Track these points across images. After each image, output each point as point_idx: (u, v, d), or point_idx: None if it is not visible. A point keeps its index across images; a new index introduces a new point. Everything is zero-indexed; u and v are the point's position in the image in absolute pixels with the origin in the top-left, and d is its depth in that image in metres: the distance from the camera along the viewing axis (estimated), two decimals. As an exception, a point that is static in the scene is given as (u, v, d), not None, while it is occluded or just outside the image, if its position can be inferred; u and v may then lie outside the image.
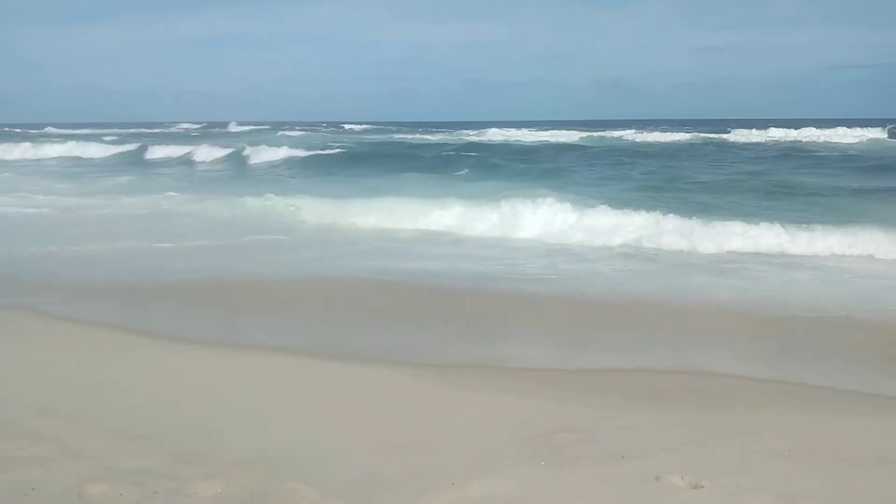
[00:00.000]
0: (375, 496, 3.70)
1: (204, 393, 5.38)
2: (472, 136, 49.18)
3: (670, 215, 12.84)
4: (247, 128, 66.81)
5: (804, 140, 39.88)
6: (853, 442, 4.45)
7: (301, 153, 30.64)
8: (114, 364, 6.10)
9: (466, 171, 23.76)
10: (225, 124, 75.31)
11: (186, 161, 32.79)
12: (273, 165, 29.14)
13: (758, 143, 37.85)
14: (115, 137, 47.37)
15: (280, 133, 51.77)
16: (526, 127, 62.11)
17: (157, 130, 66.97)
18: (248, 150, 31.76)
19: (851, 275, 9.73)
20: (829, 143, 38.59)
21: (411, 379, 5.78)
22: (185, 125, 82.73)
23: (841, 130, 44.02)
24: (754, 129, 45.92)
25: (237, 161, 31.05)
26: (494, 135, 49.16)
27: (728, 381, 5.79)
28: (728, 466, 4.05)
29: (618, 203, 14.17)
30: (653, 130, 49.45)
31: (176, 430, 4.56)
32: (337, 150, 32.46)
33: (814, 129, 45.39)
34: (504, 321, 7.88)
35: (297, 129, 60.56)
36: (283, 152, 30.65)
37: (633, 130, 49.27)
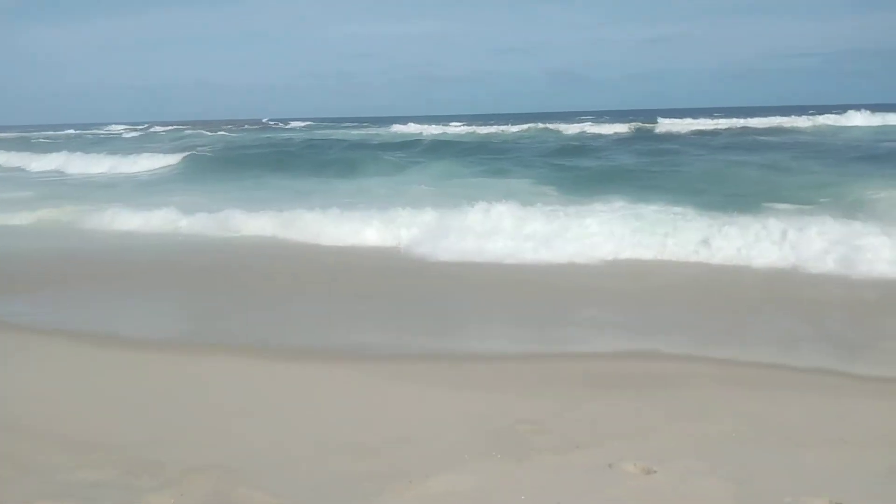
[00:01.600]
0: (333, 499, 3.68)
1: (156, 399, 5.27)
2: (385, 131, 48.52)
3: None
4: (168, 128, 65.60)
5: (722, 128, 38.57)
6: (801, 423, 4.58)
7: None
8: (58, 371, 5.94)
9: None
10: (183, 123, 73.69)
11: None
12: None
13: (675, 134, 36.42)
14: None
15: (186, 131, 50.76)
16: (479, 120, 62.13)
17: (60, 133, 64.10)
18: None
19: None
20: (747, 128, 37.81)
21: (365, 375, 5.75)
22: (117, 127, 78.45)
23: (777, 119, 44.55)
24: (688, 119, 45.89)
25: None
26: (412, 128, 48.20)
27: (679, 364, 5.90)
28: (680, 451, 4.14)
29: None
30: (598, 121, 49.94)
31: (127, 439, 4.47)
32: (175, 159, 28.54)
33: (759, 118, 45.98)
34: (452, 309, 7.92)
35: (219, 129, 59.70)
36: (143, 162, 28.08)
37: (575, 123, 49.64)
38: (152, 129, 65.32)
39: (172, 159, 27.95)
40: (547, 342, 6.80)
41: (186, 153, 29.33)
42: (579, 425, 4.58)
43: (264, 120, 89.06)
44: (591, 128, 42.10)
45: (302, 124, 74.34)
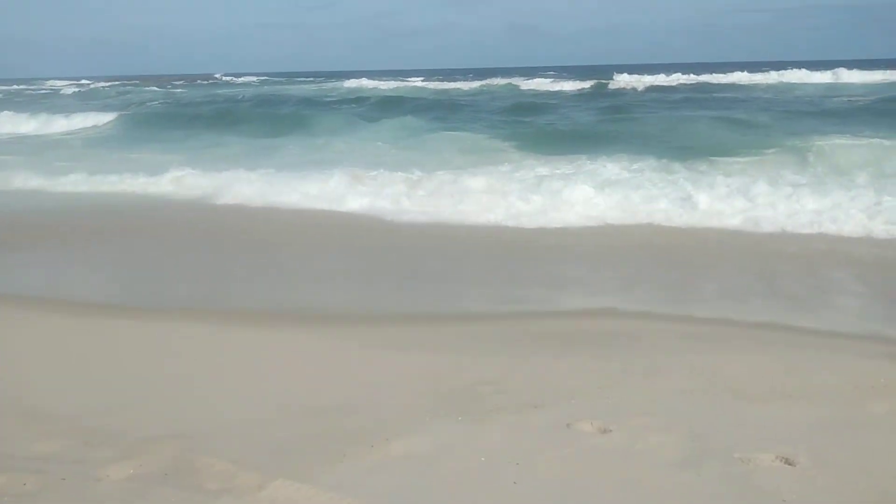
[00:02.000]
0: (293, 463, 3.69)
1: (111, 366, 5.20)
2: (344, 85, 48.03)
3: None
4: (112, 83, 63.48)
5: (673, 84, 39.18)
6: (749, 377, 4.72)
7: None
8: (11, 340, 5.82)
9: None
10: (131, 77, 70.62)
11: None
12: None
13: (630, 90, 36.70)
14: None
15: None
16: (438, 74, 61.58)
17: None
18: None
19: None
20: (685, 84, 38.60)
21: (325, 338, 5.75)
22: (58, 82, 73.70)
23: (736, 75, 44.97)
24: (637, 76, 46.07)
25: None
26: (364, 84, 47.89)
27: (634, 322, 6.01)
28: (635, 408, 4.24)
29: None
30: (558, 78, 50.05)
31: (83, 408, 4.40)
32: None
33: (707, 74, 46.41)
34: (415, 271, 7.94)
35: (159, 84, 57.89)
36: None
37: (534, 78, 49.55)
38: (95, 85, 62.82)
39: (106, 118, 26.74)
40: (507, 302, 6.87)
41: (123, 112, 27.99)
42: (537, 385, 4.65)
43: (217, 75, 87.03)
44: (550, 85, 42.19)
45: (256, 79, 72.76)
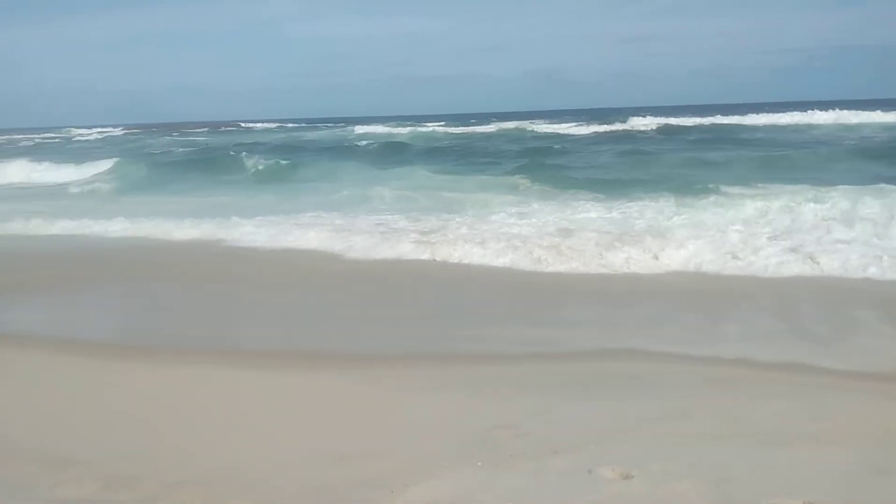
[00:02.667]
0: (314, 510, 3.68)
1: (130, 410, 5.22)
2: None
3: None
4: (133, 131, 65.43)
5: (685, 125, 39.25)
6: (772, 421, 4.64)
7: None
8: (32, 382, 5.87)
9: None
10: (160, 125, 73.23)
11: None
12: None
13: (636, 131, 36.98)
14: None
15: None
16: (458, 119, 63.01)
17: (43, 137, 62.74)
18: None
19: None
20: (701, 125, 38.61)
21: (343, 381, 5.75)
22: (80, 130, 75.91)
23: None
24: (649, 117, 46.18)
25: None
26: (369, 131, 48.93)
27: (653, 366, 5.94)
28: (657, 453, 4.18)
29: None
30: (569, 120, 50.98)
31: (106, 452, 4.42)
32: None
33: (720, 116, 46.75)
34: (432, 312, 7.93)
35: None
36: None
37: (548, 123, 50.42)
38: (114, 133, 65.46)
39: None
40: (524, 343, 6.82)
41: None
42: (557, 429, 4.61)
43: (243, 124, 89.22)
44: (562, 128, 42.78)
45: (275, 125, 75.77)
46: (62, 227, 13.95)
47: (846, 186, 13.06)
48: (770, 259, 8.94)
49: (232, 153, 28.03)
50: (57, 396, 5.54)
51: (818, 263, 8.68)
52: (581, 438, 4.43)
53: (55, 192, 22.00)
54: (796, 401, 5.04)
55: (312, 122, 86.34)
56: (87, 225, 13.91)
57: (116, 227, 13.62)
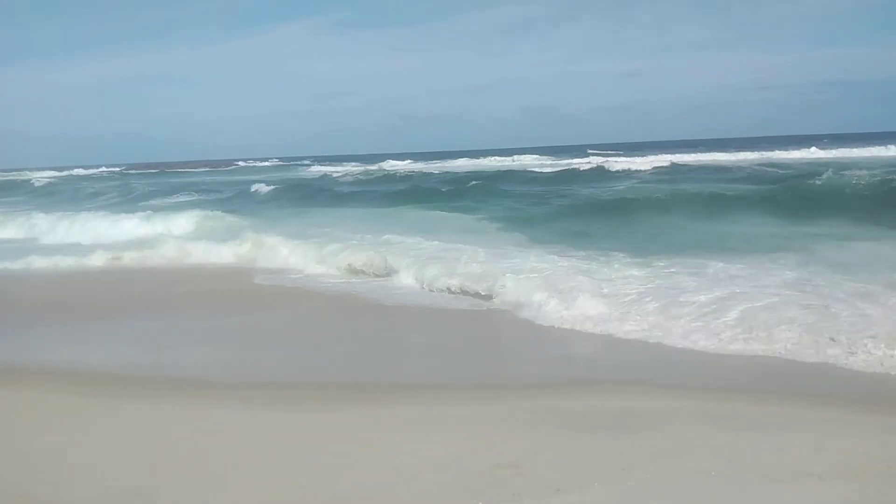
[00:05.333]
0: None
1: (124, 448, 5.16)
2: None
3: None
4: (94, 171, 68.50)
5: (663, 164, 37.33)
6: (774, 457, 4.61)
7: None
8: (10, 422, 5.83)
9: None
10: (159, 164, 74.77)
11: None
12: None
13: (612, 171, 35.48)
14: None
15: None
16: (450, 158, 64.47)
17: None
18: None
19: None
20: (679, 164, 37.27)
21: (340, 419, 5.72)
22: (42, 173, 76.12)
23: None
24: (636, 157, 46.82)
25: None
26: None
27: (653, 402, 5.90)
28: (659, 491, 4.15)
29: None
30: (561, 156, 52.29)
31: (98, 495, 4.37)
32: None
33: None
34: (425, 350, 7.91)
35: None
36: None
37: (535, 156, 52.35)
38: (76, 172, 67.90)
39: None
40: (520, 378, 6.78)
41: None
42: (558, 467, 4.56)
43: (240, 163, 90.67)
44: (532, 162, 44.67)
45: (269, 164, 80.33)
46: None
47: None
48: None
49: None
50: (41, 437, 5.47)
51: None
52: (582, 477, 4.39)
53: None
54: (798, 436, 5.01)
55: (313, 159, 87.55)
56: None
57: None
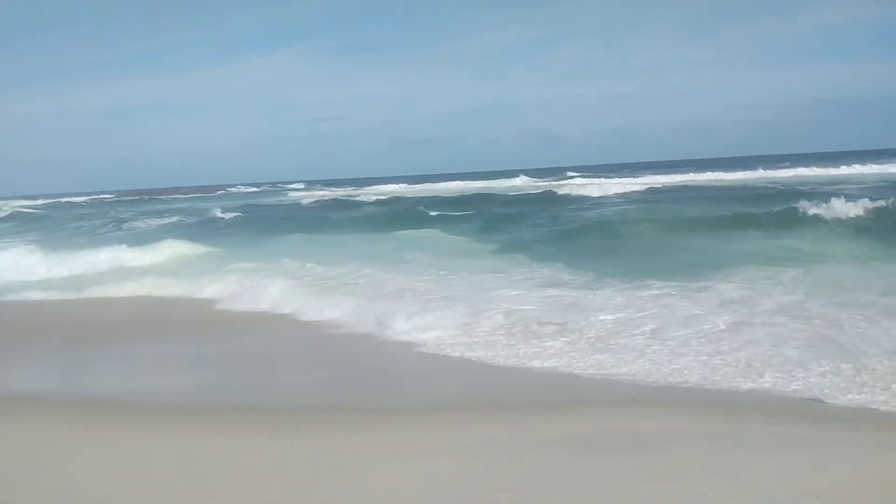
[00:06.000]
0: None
1: (108, 479, 5.07)
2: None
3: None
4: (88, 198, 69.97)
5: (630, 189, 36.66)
6: (774, 478, 4.59)
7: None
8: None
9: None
10: (150, 191, 75.46)
11: None
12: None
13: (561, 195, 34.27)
14: None
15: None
16: (442, 180, 65.32)
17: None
18: None
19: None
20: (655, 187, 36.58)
21: (336, 444, 5.67)
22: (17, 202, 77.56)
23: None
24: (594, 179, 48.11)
25: None
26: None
27: (652, 423, 5.88)
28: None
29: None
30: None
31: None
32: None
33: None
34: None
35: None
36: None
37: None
38: (66, 200, 69.63)
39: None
40: (518, 402, 6.75)
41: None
42: (558, 492, 4.53)
43: (231, 188, 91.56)
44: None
45: (249, 190, 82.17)
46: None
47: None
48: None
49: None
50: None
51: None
52: (584, 500, 4.37)
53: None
54: (797, 454, 5.00)
55: (311, 184, 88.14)
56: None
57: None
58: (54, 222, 38.73)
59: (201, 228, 28.43)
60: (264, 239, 21.87)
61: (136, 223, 32.87)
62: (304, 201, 43.47)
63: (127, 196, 78.99)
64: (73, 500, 4.80)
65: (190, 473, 5.20)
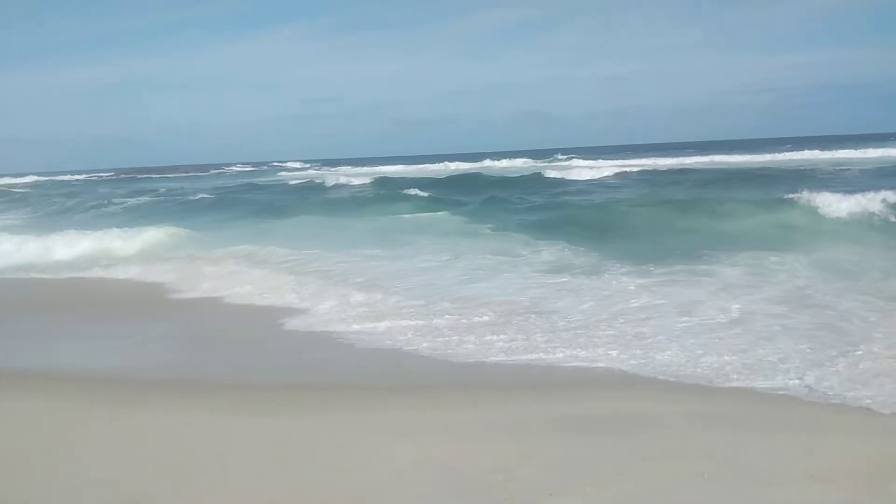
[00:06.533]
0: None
1: (117, 456, 5.09)
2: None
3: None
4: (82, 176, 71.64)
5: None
6: (770, 460, 4.60)
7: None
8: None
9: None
10: (147, 169, 76.11)
11: None
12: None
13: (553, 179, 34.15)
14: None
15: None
16: (438, 161, 65.19)
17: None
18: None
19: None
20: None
21: (329, 425, 5.67)
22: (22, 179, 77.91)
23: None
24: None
25: None
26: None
27: (646, 405, 5.89)
28: (653, 495, 4.14)
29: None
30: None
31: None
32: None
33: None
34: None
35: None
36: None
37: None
38: (62, 178, 70.61)
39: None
40: (510, 383, 6.76)
41: None
42: (551, 472, 4.54)
43: (230, 168, 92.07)
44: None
45: (246, 169, 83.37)
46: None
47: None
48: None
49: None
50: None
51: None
52: (575, 481, 4.38)
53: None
54: (789, 437, 5.02)
55: (331, 163, 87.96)
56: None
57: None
58: (32, 201, 38.83)
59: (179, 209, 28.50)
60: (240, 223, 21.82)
61: (110, 205, 32.44)
62: (292, 182, 42.88)
63: (125, 174, 79.20)
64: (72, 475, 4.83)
65: (185, 450, 5.22)
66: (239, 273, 12.86)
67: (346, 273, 12.01)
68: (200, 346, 8.73)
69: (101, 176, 78.81)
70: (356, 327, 8.82)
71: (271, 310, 10.17)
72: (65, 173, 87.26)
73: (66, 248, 17.42)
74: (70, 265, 15.57)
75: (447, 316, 9.02)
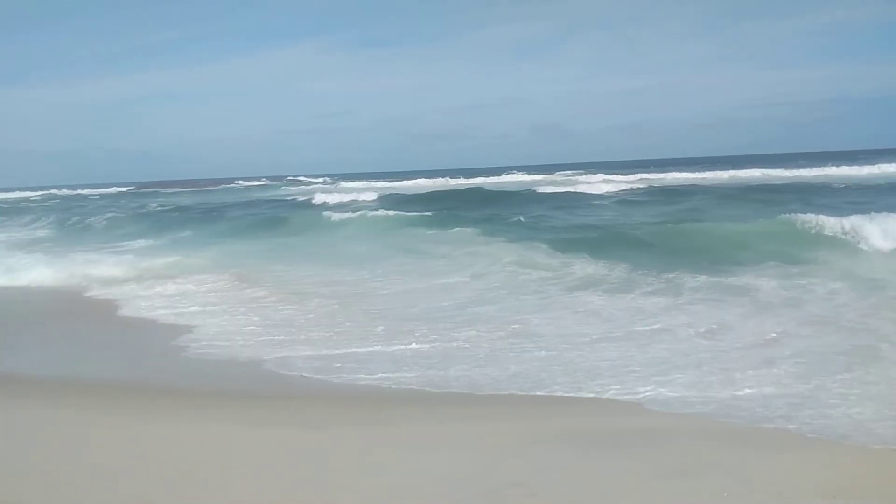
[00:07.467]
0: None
1: (111, 462, 5.04)
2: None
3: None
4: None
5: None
6: (789, 477, 4.57)
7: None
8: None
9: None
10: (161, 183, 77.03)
11: None
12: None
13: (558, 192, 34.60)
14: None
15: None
16: (454, 174, 65.98)
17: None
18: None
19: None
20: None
21: (340, 437, 5.65)
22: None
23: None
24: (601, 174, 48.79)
25: None
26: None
27: (663, 420, 5.85)
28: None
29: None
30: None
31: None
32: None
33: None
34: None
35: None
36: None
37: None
38: (80, 192, 72.71)
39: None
40: (530, 397, 6.71)
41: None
42: (568, 487, 4.51)
43: (239, 182, 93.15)
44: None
45: (254, 184, 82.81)
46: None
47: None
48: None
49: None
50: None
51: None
52: (593, 496, 4.35)
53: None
54: (807, 455, 4.96)
55: (341, 177, 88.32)
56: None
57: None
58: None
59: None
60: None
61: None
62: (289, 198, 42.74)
63: (142, 189, 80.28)
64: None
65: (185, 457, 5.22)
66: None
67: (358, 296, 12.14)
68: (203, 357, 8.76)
69: (122, 190, 79.81)
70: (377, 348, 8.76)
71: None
72: (84, 187, 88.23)
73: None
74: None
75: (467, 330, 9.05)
